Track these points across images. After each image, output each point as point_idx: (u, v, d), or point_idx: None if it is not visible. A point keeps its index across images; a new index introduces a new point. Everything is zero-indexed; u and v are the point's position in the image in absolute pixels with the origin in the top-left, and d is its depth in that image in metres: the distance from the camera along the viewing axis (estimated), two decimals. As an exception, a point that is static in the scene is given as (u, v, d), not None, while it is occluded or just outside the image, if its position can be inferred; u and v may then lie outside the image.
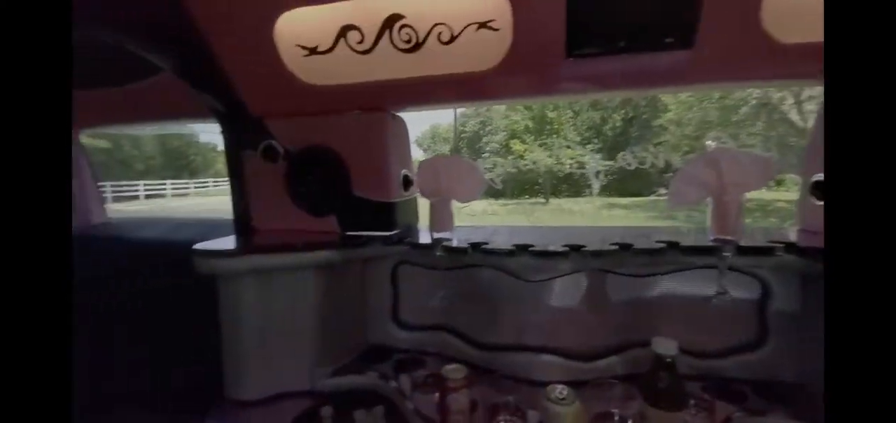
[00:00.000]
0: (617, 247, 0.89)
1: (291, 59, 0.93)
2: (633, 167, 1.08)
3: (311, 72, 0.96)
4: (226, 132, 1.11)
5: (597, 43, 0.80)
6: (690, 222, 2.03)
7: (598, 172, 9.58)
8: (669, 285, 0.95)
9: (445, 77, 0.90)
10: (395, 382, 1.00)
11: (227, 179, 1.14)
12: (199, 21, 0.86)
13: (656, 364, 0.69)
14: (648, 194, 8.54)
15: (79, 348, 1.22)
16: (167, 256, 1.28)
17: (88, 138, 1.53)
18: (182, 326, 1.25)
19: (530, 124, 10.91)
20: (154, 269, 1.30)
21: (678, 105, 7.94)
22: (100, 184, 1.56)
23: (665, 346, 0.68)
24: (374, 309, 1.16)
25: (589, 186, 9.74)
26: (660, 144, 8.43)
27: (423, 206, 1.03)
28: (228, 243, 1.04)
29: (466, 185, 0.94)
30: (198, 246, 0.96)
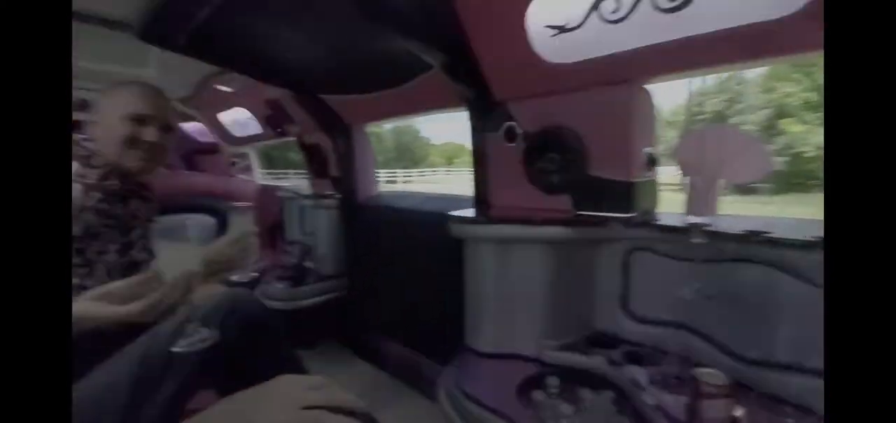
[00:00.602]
0: None
1: (539, 40, 0.98)
2: None
3: (557, 51, 0.99)
4: (472, 118, 1.27)
5: None
6: None
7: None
8: None
9: (720, 34, 0.77)
10: (628, 372, 0.94)
11: (438, 169, 1.32)
12: (461, 14, 1.01)
13: None
14: None
15: (361, 280, 1.60)
16: (422, 220, 1.59)
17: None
18: (433, 278, 1.53)
19: (813, 97, 8.12)
20: (412, 229, 1.63)
21: None
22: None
23: None
24: (602, 294, 1.12)
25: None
26: None
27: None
28: (473, 214, 1.20)
29: (744, 161, 0.79)
30: (453, 213, 1.13)
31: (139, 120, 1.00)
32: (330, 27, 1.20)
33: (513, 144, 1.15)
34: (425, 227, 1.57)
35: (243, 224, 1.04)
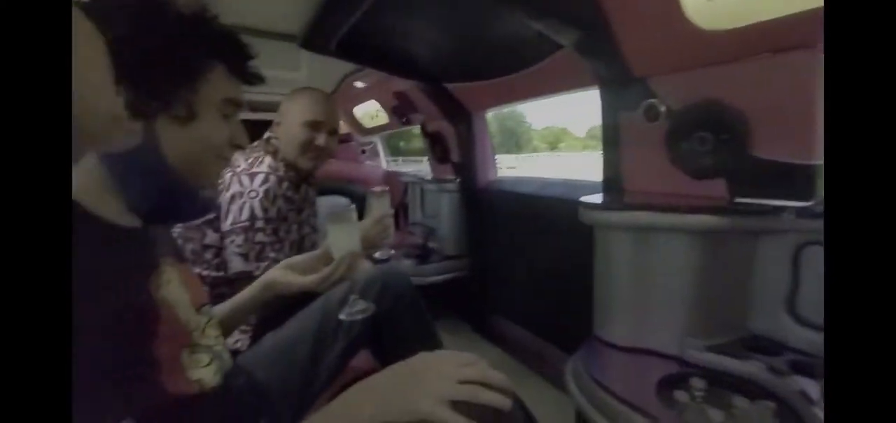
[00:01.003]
0: None
1: (694, 6, 0.88)
2: None
3: (715, 16, 0.87)
4: (604, 97, 1.20)
5: None
6: None
7: None
8: None
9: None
10: (794, 383, 0.82)
11: (539, 154, 1.25)
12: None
13: None
14: None
15: (482, 261, 1.65)
16: (545, 205, 1.59)
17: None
18: (556, 262, 1.52)
19: None
20: (534, 214, 1.63)
21: None
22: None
23: None
24: (763, 293, 0.98)
25: None
26: None
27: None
28: (602, 199, 1.14)
29: None
30: (583, 198, 1.10)
31: (314, 126, 1.19)
32: (461, 16, 1.25)
33: (654, 124, 1.06)
34: (548, 211, 1.55)
35: (383, 206, 1.17)
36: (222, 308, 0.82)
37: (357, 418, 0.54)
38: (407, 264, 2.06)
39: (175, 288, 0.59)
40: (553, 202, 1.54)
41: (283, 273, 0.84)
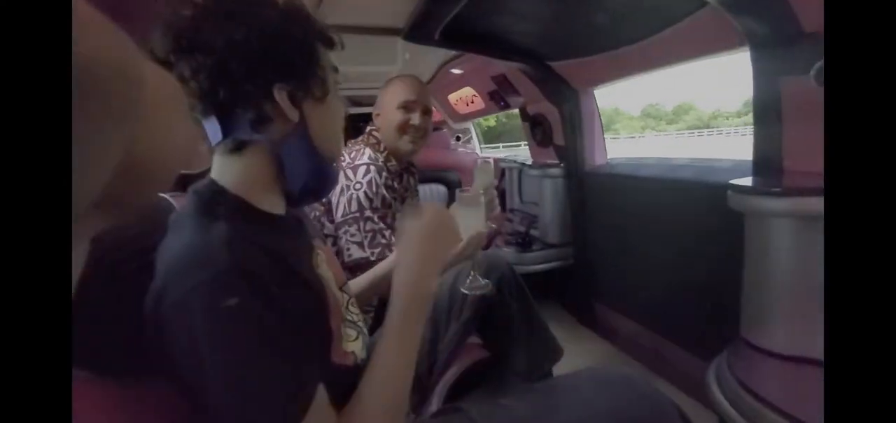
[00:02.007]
0: None
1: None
2: None
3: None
4: (757, 60, 1.01)
5: None
6: None
7: None
8: None
9: None
10: None
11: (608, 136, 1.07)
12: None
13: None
14: None
15: (590, 250, 1.53)
16: (671, 189, 1.42)
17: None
18: (684, 253, 1.36)
19: None
20: (657, 199, 1.47)
21: None
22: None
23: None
24: None
25: None
26: None
27: None
28: (755, 182, 0.97)
29: None
30: (734, 182, 0.95)
31: (407, 106, 1.22)
32: None
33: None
34: (676, 196, 1.38)
35: (487, 177, 1.15)
36: (358, 283, 0.88)
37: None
38: (507, 251, 2.02)
39: (325, 267, 0.64)
40: (684, 185, 1.36)
41: None
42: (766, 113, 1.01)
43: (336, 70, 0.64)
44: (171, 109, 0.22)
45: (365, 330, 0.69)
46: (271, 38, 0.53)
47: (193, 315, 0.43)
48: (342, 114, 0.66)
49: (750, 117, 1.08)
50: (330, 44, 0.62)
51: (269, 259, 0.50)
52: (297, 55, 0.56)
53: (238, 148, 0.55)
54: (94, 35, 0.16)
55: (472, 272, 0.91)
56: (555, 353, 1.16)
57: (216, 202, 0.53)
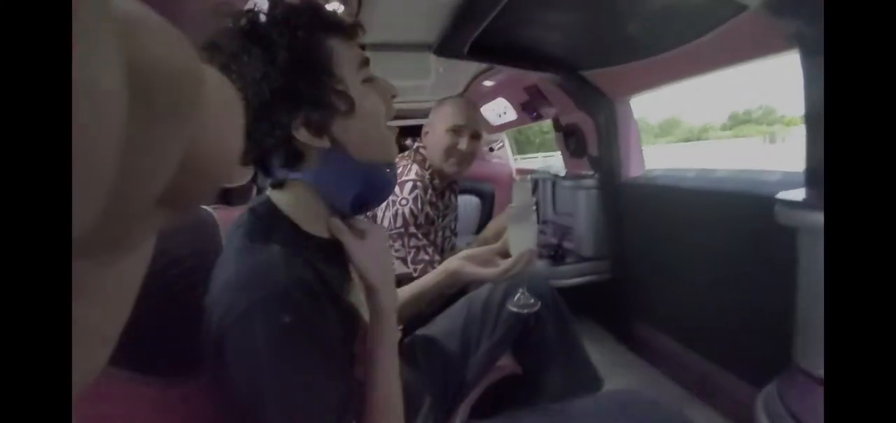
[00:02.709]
0: None
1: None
2: None
3: None
4: (808, 63, 0.93)
5: None
6: None
7: None
8: None
9: None
10: None
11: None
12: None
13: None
14: None
15: (627, 265, 1.45)
16: (713, 201, 1.34)
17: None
18: (731, 271, 1.27)
19: None
20: (700, 212, 1.39)
21: None
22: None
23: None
24: None
25: None
26: None
27: None
28: (806, 196, 0.89)
29: None
30: (782, 195, 0.88)
31: (456, 130, 1.23)
32: None
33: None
34: (720, 209, 1.30)
35: (526, 194, 1.14)
36: (403, 292, 0.87)
37: None
38: (540, 264, 1.97)
39: (357, 292, 0.65)
40: (727, 198, 1.28)
41: (465, 264, 0.87)
42: (819, 120, 0.93)
43: (367, 63, 0.59)
44: (226, 110, 0.22)
45: None
46: (283, 70, 0.51)
47: (254, 330, 0.45)
48: (382, 111, 0.60)
49: (738, 130, 1.00)
50: (348, 33, 0.57)
51: (319, 281, 0.51)
52: (303, 83, 0.52)
53: (280, 185, 0.57)
54: (152, 33, 0.16)
55: (521, 290, 0.90)
56: (593, 382, 1.06)
57: (271, 224, 0.55)
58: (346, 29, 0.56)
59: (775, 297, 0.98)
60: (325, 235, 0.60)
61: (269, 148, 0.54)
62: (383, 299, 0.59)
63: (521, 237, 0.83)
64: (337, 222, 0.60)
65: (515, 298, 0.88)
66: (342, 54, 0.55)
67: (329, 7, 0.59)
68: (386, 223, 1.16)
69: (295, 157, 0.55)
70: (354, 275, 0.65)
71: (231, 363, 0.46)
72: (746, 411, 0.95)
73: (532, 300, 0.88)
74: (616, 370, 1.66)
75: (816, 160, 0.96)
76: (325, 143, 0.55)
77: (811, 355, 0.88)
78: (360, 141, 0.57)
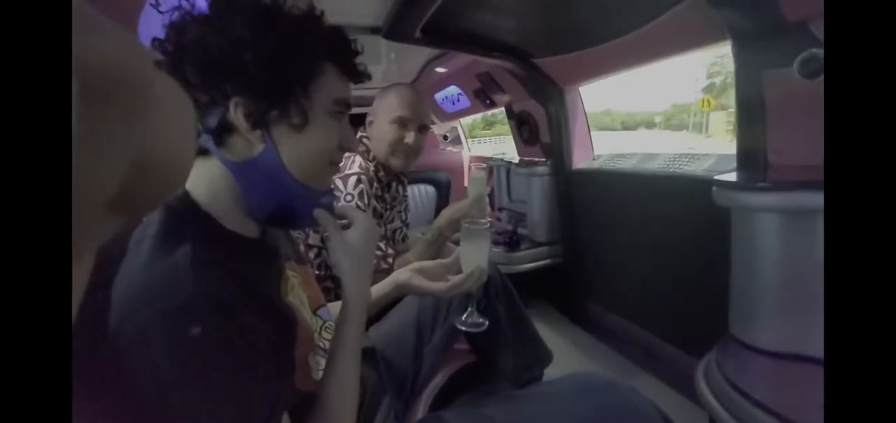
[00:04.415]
0: None
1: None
2: None
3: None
4: (739, 53, 1.00)
5: None
6: None
7: None
8: None
9: None
10: None
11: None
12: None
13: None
14: None
15: (578, 248, 1.53)
16: (658, 185, 1.41)
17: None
18: (670, 250, 1.35)
19: None
20: (642, 195, 1.46)
21: None
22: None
23: None
24: None
25: None
26: None
27: None
28: (739, 177, 0.96)
29: None
30: (719, 177, 0.93)
31: (402, 123, 1.18)
32: None
33: (815, 81, 0.84)
34: (663, 192, 1.37)
35: (481, 185, 1.13)
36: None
37: None
38: (496, 251, 2.00)
39: (298, 292, 0.60)
40: (668, 180, 1.35)
41: (414, 276, 0.86)
42: (750, 107, 0.99)
43: (347, 105, 0.58)
44: (177, 113, 0.22)
45: None
46: (239, 44, 0.48)
47: (154, 347, 0.40)
48: (333, 148, 0.58)
49: (677, 120, 1.07)
50: (338, 59, 0.55)
51: (234, 284, 0.46)
52: (264, 68, 0.49)
53: (202, 153, 0.52)
54: (102, 35, 0.16)
55: (470, 308, 0.89)
56: (544, 357, 1.14)
57: (186, 221, 0.49)
58: (352, 71, 0.57)
59: (712, 272, 1.05)
60: (252, 233, 0.56)
61: (202, 104, 0.50)
62: (348, 293, 0.59)
63: (472, 254, 0.83)
64: (323, 214, 0.59)
65: (464, 317, 0.88)
66: (328, 80, 0.54)
67: None
68: None
69: (224, 129, 0.51)
70: (290, 273, 0.61)
71: (132, 383, 0.41)
72: (689, 379, 1.02)
73: (480, 320, 0.87)
74: (570, 349, 1.73)
75: (747, 144, 1.03)
76: (255, 138, 0.51)
77: (744, 325, 0.95)
78: (300, 159, 0.54)
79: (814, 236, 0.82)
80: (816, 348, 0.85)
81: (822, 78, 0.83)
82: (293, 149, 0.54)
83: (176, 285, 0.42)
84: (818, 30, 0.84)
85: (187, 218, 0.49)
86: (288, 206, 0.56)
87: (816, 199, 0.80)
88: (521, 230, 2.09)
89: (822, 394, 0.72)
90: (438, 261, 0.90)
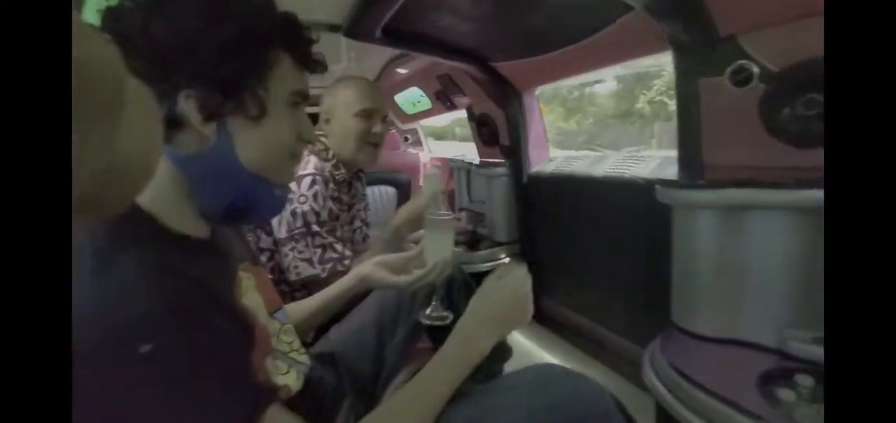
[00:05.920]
0: None
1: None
2: None
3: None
4: (679, 63, 1.08)
5: None
6: None
7: None
8: None
9: None
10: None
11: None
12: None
13: None
14: None
15: (536, 247, 1.59)
16: (606, 186, 1.49)
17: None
18: (618, 246, 1.43)
19: None
20: (593, 196, 1.54)
21: None
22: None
23: None
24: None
25: None
26: None
27: None
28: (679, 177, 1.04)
29: None
30: (660, 177, 1.00)
31: (367, 115, 1.16)
32: None
33: (744, 89, 0.93)
34: (611, 192, 1.45)
35: (436, 183, 1.14)
36: (307, 305, 0.84)
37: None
38: (456, 250, 2.02)
39: (253, 294, 0.58)
40: (616, 182, 1.44)
41: (376, 269, 0.86)
42: (687, 112, 1.08)
43: (305, 96, 0.56)
44: (145, 117, 0.22)
45: (300, 358, 0.66)
46: (188, 33, 0.46)
47: (110, 367, 0.38)
48: (292, 141, 0.56)
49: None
50: (295, 49, 0.54)
51: (194, 290, 0.44)
52: (217, 59, 0.47)
53: None
54: (80, 38, 0.16)
55: (434, 302, 0.89)
56: (505, 353, 1.16)
57: (129, 228, 0.46)
58: (307, 60, 0.56)
59: (656, 267, 1.12)
60: (201, 233, 0.54)
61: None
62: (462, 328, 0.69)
63: (436, 246, 0.83)
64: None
65: (427, 311, 0.88)
66: (284, 69, 0.53)
67: None
68: (285, 225, 1.06)
69: (172, 123, 0.48)
70: (244, 274, 0.59)
71: (93, 406, 0.38)
72: (635, 367, 1.08)
73: (445, 313, 0.88)
74: (528, 344, 1.78)
75: (685, 146, 1.12)
76: (208, 131, 0.50)
77: (685, 313, 1.03)
78: (258, 152, 0.53)
79: (744, 230, 0.91)
80: (748, 332, 0.94)
81: (751, 85, 0.92)
82: (250, 141, 0.52)
83: (126, 300, 0.40)
84: (746, 43, 0.93)
85: (131, 225, 0.46)
86: (242, 200, 0.54)
87: (752, 195, 0.88)
88: (480, 230, 2.12)
89: (754, 374, 0.80)
90: (401, 255, 0.90)
